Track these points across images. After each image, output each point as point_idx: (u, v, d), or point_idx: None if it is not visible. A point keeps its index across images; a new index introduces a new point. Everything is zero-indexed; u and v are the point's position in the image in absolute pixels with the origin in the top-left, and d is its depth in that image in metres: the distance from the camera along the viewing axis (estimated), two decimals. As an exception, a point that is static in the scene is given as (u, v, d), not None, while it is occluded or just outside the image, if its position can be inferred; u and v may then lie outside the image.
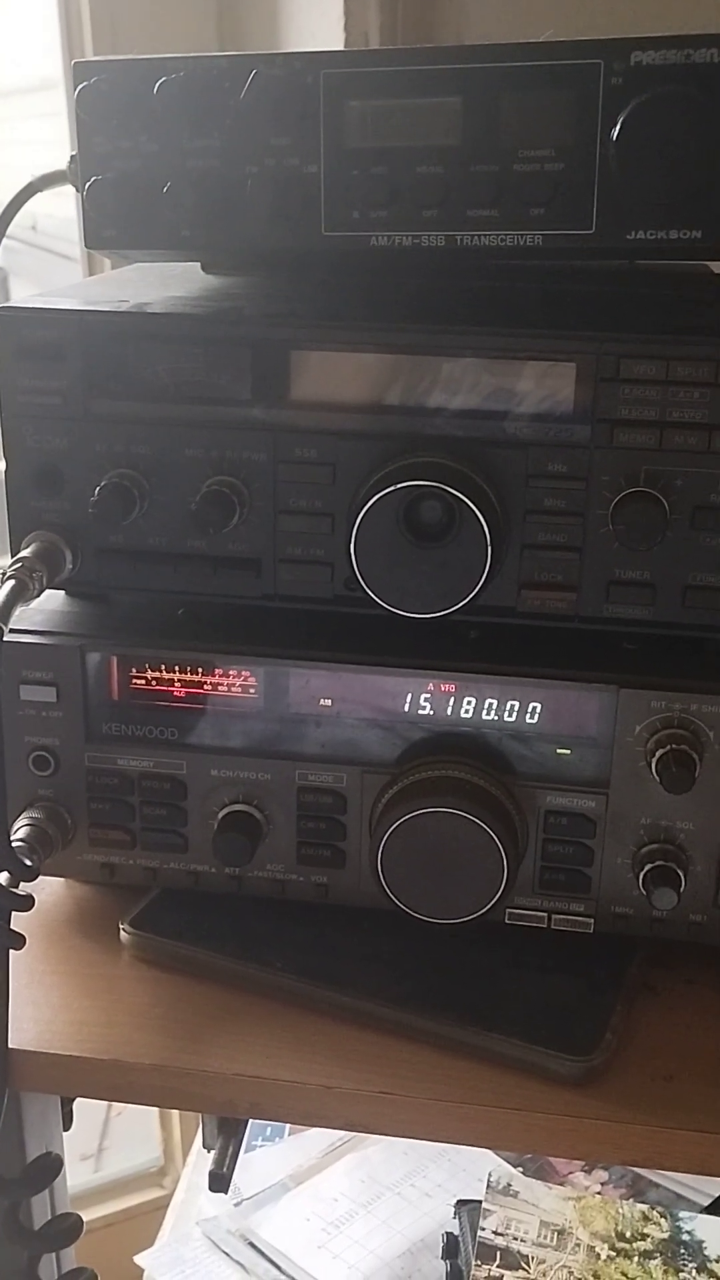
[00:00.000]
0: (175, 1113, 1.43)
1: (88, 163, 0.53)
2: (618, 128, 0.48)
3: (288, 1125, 1.15)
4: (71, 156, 0.56)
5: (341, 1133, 1.13)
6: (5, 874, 0.53)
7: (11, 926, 0.53)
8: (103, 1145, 1.52)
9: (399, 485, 0.52)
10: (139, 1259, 1.03)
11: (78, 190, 0.56)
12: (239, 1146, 0.60)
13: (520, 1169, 1.00)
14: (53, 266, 1.37)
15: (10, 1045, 0.53)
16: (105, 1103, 1.52)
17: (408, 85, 0.50)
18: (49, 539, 0.57)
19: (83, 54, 1.02)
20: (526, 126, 0.49)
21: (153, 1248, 1.05)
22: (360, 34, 0.91)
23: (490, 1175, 0.91)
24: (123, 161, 0.52)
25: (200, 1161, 1.15)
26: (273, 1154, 1.11)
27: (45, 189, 0.62)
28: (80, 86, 0.51)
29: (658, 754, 0.54)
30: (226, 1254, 1.02)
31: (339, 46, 0.93)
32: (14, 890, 0.53)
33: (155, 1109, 1.44)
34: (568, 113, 0.49)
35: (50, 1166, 0.55)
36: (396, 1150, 1.10)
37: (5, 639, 0.52)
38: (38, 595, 0.55)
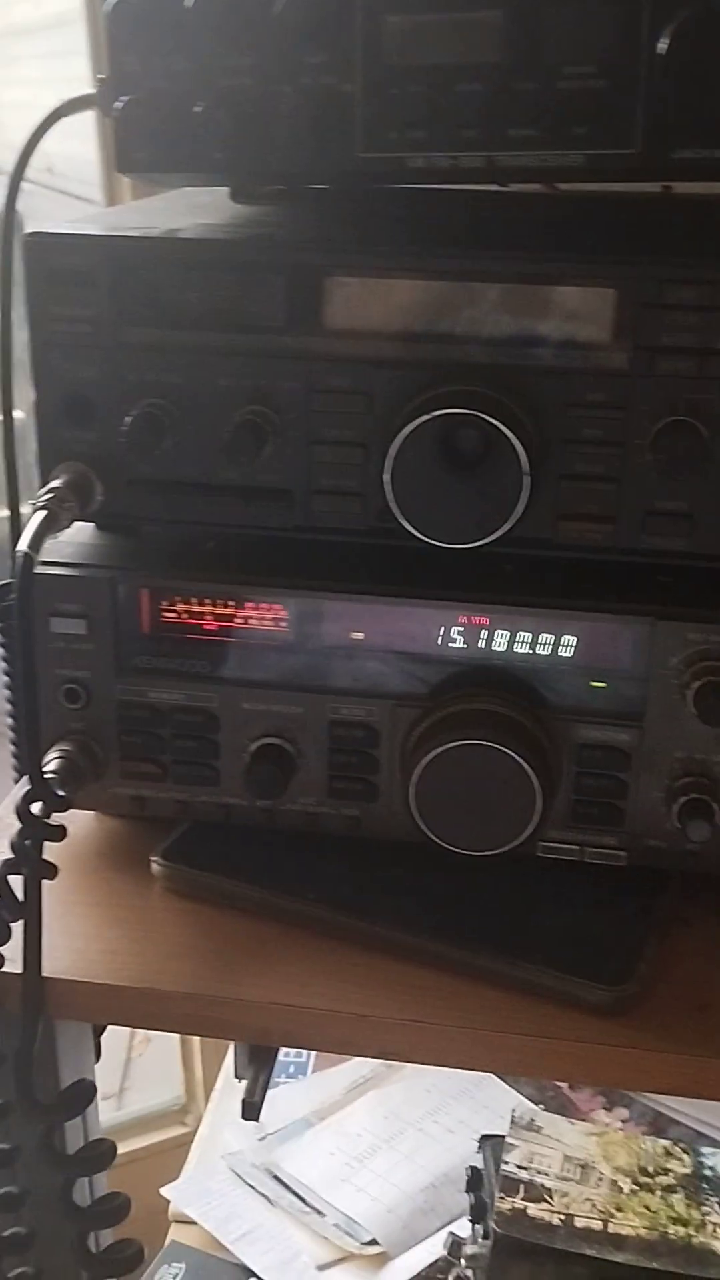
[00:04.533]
0: (197, 1053, 1.45)
1: (119, 82, 0.52)
2: (664, 42, 0.47)
3: (310, 1063, 1.16)
4: (99, 79, 0.55)
5: (364, 1071, 1.14)
6: (38, 804, 0.53)
7: (44, 857, 0.53)
8: (124, 1085, 1.54)
9: (434, 413, 0.51)
10: (165, 1191, 1.05)
11: (106, 114, 0.55)
12: (270, 1076, 0.61)
13: (542, 1105, 1.01)
14: (70, 209, 1.36)
15: (44, 974, 0.53)
16: (127, 1044, 1.55)
17: (447, 0, 0.49)
18: (79, 469, 0.56)
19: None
20: (569, 42, 0.48)
21: (178, 1180, 1.07)
22: None
23: (514, 1111, 0.92)
24: (155, 81, 0.51)
25: (224, 1099, 1.17)
26: (296, 1090, 1.12)
27: (71, 114, 0.61)
28: (112, 3, 0.50)
29: (694, 686, 0.54)
30: (251, 1186, 1.04)
31: None
32: (47, 821, 0.53)
33: (177, 1049, 1.46)
34: (612, 27, 0.48)
35: (84, 1092, 0.56)
36: (419, 1087, 1.12)
37: (36, 571, 0.52)
38: (67, 526, 0.55)
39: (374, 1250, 0.97)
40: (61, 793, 0.55)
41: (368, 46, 0.50)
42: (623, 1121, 1.01)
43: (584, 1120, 0.97)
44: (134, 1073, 1.55)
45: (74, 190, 1.33)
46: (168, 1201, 1.05)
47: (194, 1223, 1.02)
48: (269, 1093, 1.07)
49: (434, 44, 0.49)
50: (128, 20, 0.51)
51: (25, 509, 0.56)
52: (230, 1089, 1.16)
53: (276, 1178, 1.04)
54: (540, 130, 0.49)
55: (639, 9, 0.47)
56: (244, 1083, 0.61)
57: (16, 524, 0.69)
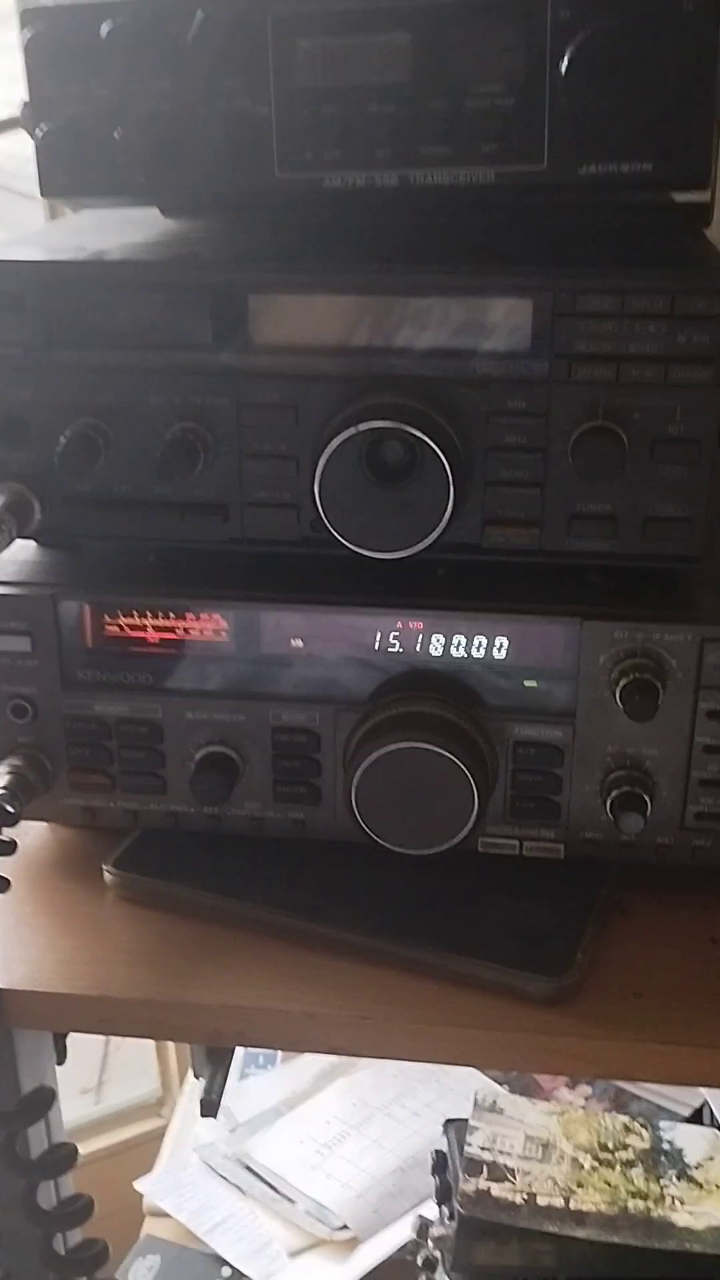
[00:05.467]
0: (172, 1045, 1.46)
1: (39, 110, 0.53)
2: (566, 61, 0.48)
3: (279, 1053, 1.18)
4: (24, 102, 0.56)
5: (332, 1059, 1.16)
6: (-12, 820, 0.55)
7: (-4, 871, 0.54)
8: (102, 1079, 1.56)
9: (360, 427, 0.53)
10: (138, 1185, 1.06)
11: (31, 136, 0.56)
12: (227, 1074, 0.62)
13: (506, 1086, 1.04)
14: (15, 206, 1.36)
15: (1, 985, 0.55)
16: (104, 1039, 1.56)
17: (356, 23, 0.50)
18: (16, 489, 0.57)
19: None
20: (476, 62, 0.50)
21: (151, 1174, 1.08)
22: None
23: (476, 1094, 0.94)
24: (74, 108, 0.52)
25: (195, 1091, 1.18)
26: (266, 1081, 1.14)
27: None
28: (28, 34, 0.51)
29: (621, 683, 0.55)
30: (224, 1177, 1.06)
31: None
32: (-2, 836, 0.54)
33: (152, 1043, 1.47)
34: (516, 47, 0.49)
35: (43, 1099, 0.57)
36: (385, 1074, 1.14)
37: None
38: (7, 545, 0.56)
39: (345, 1235, 0.99)
40: (10, 808, 0.56)
41: (280, 70, 0.51)
42: (585, 1099, 1.04)
43: (548, 1099, 0.99)
44: (112, 1065, 1.56)
45: (19, 188, 1.33)
46: (142, 1196, 1.07)
47: (168, 1215, 1.03)
48: (240, 1083, 1.08)
49: (345, 66, 0.50)
50: (45, 50, 0.51)
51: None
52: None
53: (248, 1168, 1.06)
54: (451, 148, 0.51)
55: (542, 30, 0.48)
56: (202, 1081, 0.63)
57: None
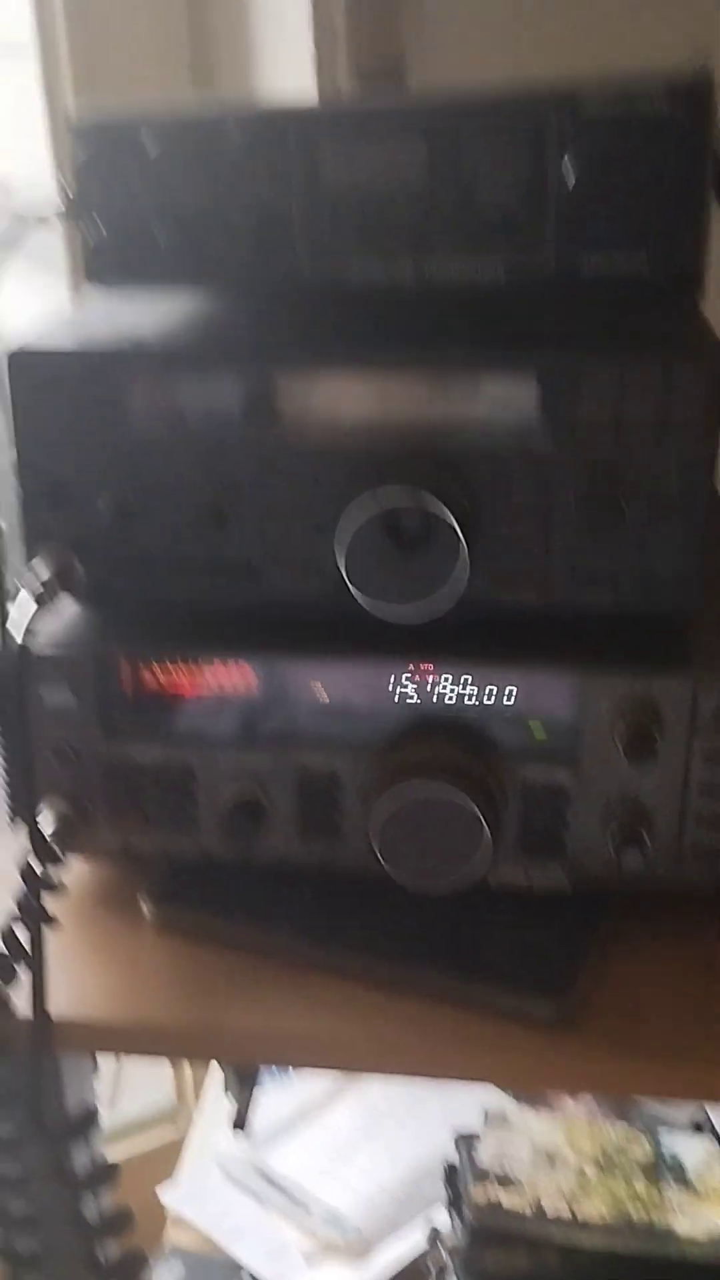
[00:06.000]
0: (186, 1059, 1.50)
1: (85, 210, 0.57)
2: (569, 171, 0.53)
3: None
4: (65, 195, 0.61)
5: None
6: (37, 861, 0.59)
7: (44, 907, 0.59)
8: (116, 1091, 1.60)
9: (379, 498, 0.57)
10: (161, 1194, 1.11)
11: (70, 223, 0.61)
12: (254, 1091, 0.67)
13: (514, 1097, 1.08)
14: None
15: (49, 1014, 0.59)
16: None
17: (376, 133, 0.55)
18: (60, 551, 0.62)
19: (63, 98, 1.07)
20: (485, 167, 0.54)
21: (173, 1183, 1.13)
22: (327, 63, 0.95)
23: (485, 1106, 0.98)
24: (118, 210, 0.57)
25: (214, 1103, 1.23)
26: (281, 1093, 1.18)
27: (40, 227, 0.67)
28: (77, 143, 0.56)
29: (622, 729, 0.60)
30: (242, 1185, 1.10)
31: (308, 73, 0.96)
32: (47, 875, 0.59)
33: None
34: (523, 154, 0.54)
35: (89, 1118, 0.61)
36: (395, 1086, 1.18)
37: (25, 648, 0.57)
38: (53, 603, 0.60)
39: (359, 1241, 1.03)
40: (59, 851, 0.60)
41: (306, 174, 0.55)
42: (589, 1109, 1.08)
43: (553, 1107, 1.04)
44: (125, 1077, 1.60)
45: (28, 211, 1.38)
46: (164, 1204, 1.11)
47: (189, 1224, 1.08)
48: (256, 1094, 1.12)
49: (365, 170, 0.55)
50: (91, 156, 0.56)
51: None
52: (220, 1094, 1.22)
53: (265, 1176, 1.10)
54: (462, 244, 0.55)
55: (546, 139, 0.53)
56: (232, 1098, 0.67)
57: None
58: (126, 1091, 1.57)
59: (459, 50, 1.02)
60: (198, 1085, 1.49)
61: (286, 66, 1.02)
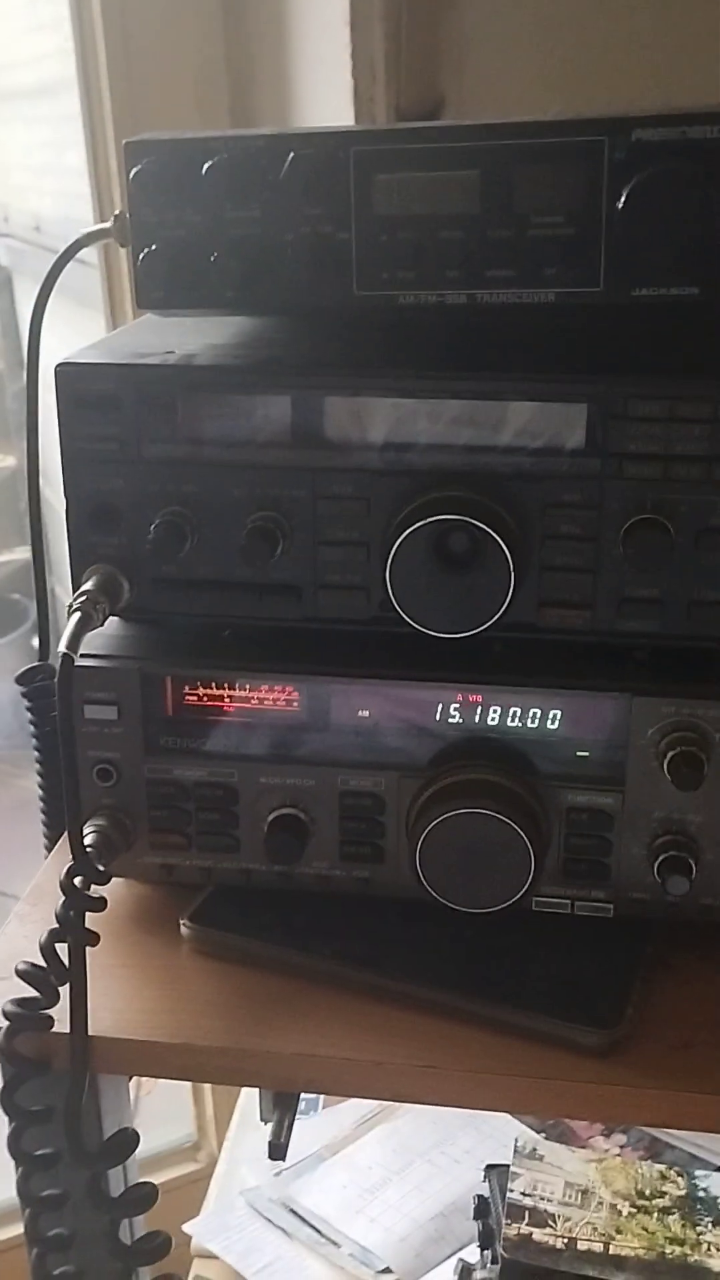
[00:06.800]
0: (208, 1091, 1.49)
1: (140, 233, 0.58)
2: (622, 198, 0.53)
3: (321, 1099, 1.21)
4: (117, 215, 0.61)
5: (373, 1105, 1.19)
6: (79, 878, 0.59)
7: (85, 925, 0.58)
8: (135, 1124, 1.58)
9: (428, 519, 0.57)
10: (187, 1227, 1.10)
11: (121, 245, 0.61)
12: (294, 1118, 0.66)
13: (543, 1134, 1.07)
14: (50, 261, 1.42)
15: (89, 1033, 0.59)
16: (135, 1085, 1.59)
17: (430, 160, 0.55)
18: (108, 571, 0.62)
19: (105, 139, 1.09)
20: (538, 196, 0.55)
21: (199, 1217, 1.12)
22: (367, 103, 0.96)
23: (517, 1141, 0.97)
24: (172, 232, 0.57)
25: (240, 1136, 1.22)
26: (309, 1126, 1.17)
27: (91, 244, 0.67)
28: (133, 167, 0.56)
29: (669, 755, 0.60)
30: (269, 1220, 1.09)
31: (348, 113, 0.98)
32: (88, 893, 0.58)
33: (188, 1089, 1.50)
34: (576, 184, 0.54)
35: (127, 1141, 0.61)
36: (425, 1120, 1.17)
37: (71, 664, 0.58)
38: (101, 624, 0.61)
39: (389, 1278, 1.02)
40: (100, 867, 0.60)
41: (360, 200, 0.56)
42: (620, 1147, 1.07)
43: (584, 1147, 1.03)
44: (144, 1111, 1.59)
45: (58, 247, 1.40)
46: (187, 1237, 1.10)
47: (216, 1257, 1.06)
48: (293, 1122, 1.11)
49: (419, 197, 0.56)
50: (147, 180, 0.57)
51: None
52: (245, 1128, 1.21)
53: (293, 1211, 1.09)
54: (514, 272, 0.56)
55: (599, 169, 0.54)
56: (269, 1126, 0.67)
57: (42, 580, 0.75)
58: (146, 1125, 1.56)
59: (499, 93, 1.03)
60: (219, 1119, 1.48)
61: (326, 108, 1.03)
